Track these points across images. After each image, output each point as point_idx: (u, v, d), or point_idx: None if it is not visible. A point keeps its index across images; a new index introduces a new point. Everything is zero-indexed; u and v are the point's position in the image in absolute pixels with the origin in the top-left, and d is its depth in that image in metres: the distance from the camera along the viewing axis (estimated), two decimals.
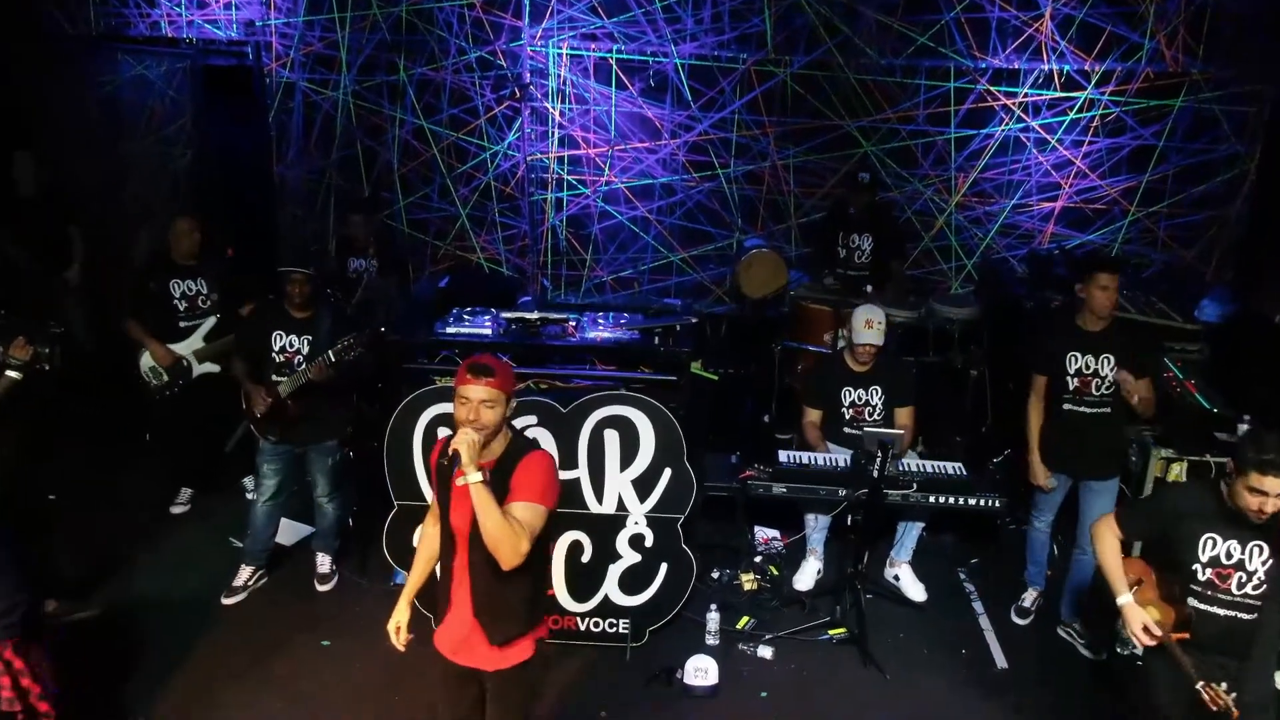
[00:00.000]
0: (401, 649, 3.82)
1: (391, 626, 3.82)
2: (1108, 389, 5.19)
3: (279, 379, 5.39)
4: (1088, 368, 5.19)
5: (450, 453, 3.31)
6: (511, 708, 3.71)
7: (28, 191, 7.34)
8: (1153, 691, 3.94)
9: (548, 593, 3.91)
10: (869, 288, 7.20)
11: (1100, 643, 5.48)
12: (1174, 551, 3.94)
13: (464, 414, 3.38)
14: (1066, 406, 5.29)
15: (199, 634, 5.42)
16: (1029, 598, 5.75)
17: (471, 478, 3.31)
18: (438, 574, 3.76)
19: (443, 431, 5.02)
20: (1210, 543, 3.86)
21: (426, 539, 3.87)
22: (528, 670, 3.68)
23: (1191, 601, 3.91)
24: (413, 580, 3.90)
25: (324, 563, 5.91)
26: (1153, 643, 3.89)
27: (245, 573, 5.76)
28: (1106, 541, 4.05)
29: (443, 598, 3.67)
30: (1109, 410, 5.23)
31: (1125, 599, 3.97)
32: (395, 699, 5.00)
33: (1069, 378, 5.23)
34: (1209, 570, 3.87)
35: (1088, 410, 5.25)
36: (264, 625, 5.53)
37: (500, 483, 3.43)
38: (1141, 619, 3.91)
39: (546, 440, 5.03)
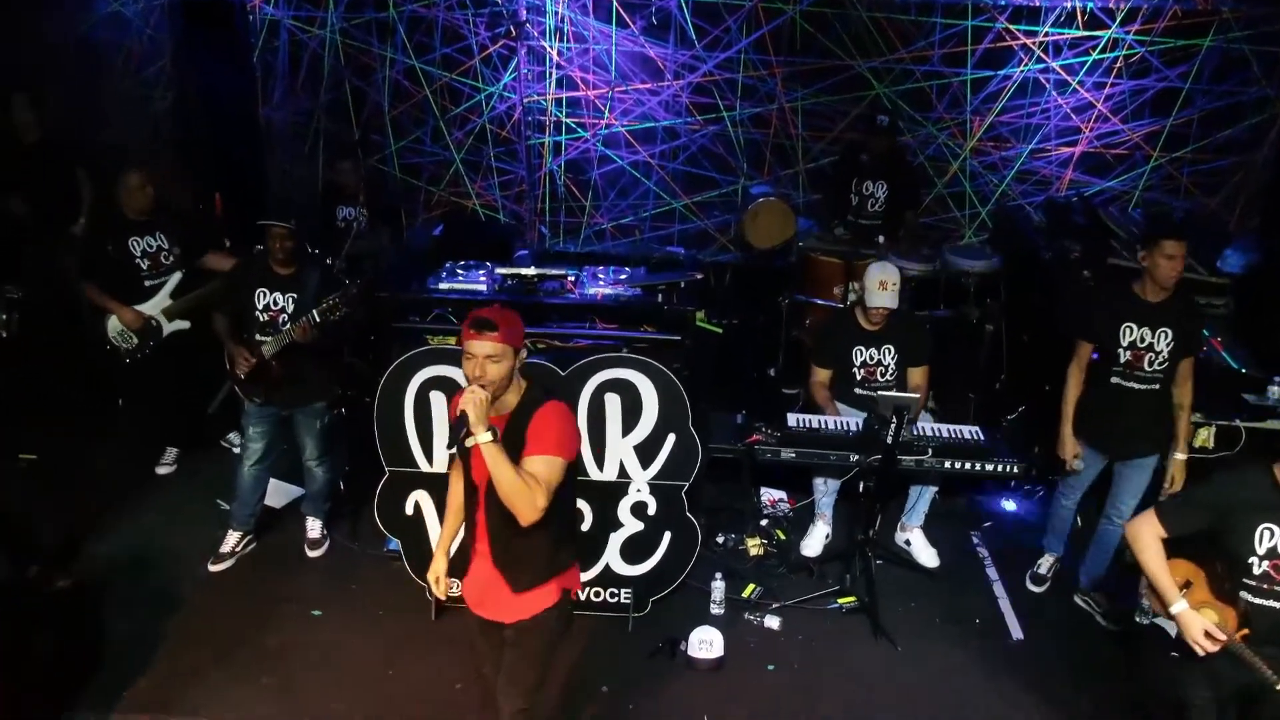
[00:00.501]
0: (442, 597, 3.85)
1: (431, 577, 3.85)
2: (1161, 365, 4.84)
3: (263, 339, 5.12)
4: (1142, 341, 4.83)
5: (458, 412, 3.20)
6: (528, 654, 3.64)
7: (30, 137, 6.86)
8: (1185, 691, 3.65)
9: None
10: (882, 238, 6.92)
11: (1119, 613, 5.31)
12: (1226, 546, 3.63)
13: (469, 370, 3.30)
14: (1115, 381, 4.92)
15: (184, 603, 5.22)
16: (1045, 564, 5.54)
17: (481, 438, 3.21)
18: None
19: (436, 395, 4.85)
20: (1268, 533, 3.52)
21: (453, 491, 3.83)
22: (548, 617, 3.61)
23: (1245, 596, 3.59)
24: (446, 532, 3.91)
25: (314, 528, 5.70)
26: (1216, 648, 3.56)
27: (232, 539, 5.55)
28: (1148, 543, 3.66)
29: (466, 551, 3.69)
30: (1158, 387, 4.89)
31: (1180, 606, 3.62)
32: (390, 673, 4.82)
33: (1121, 350, 4.86)
34: (1265, 563, 3.54)
35: (1137, 386, 4.89)
36: (252, 594, 5.32)
37: (516, 435, 3.35)
38: (1201, 625, 3.56)
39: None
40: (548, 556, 3.57)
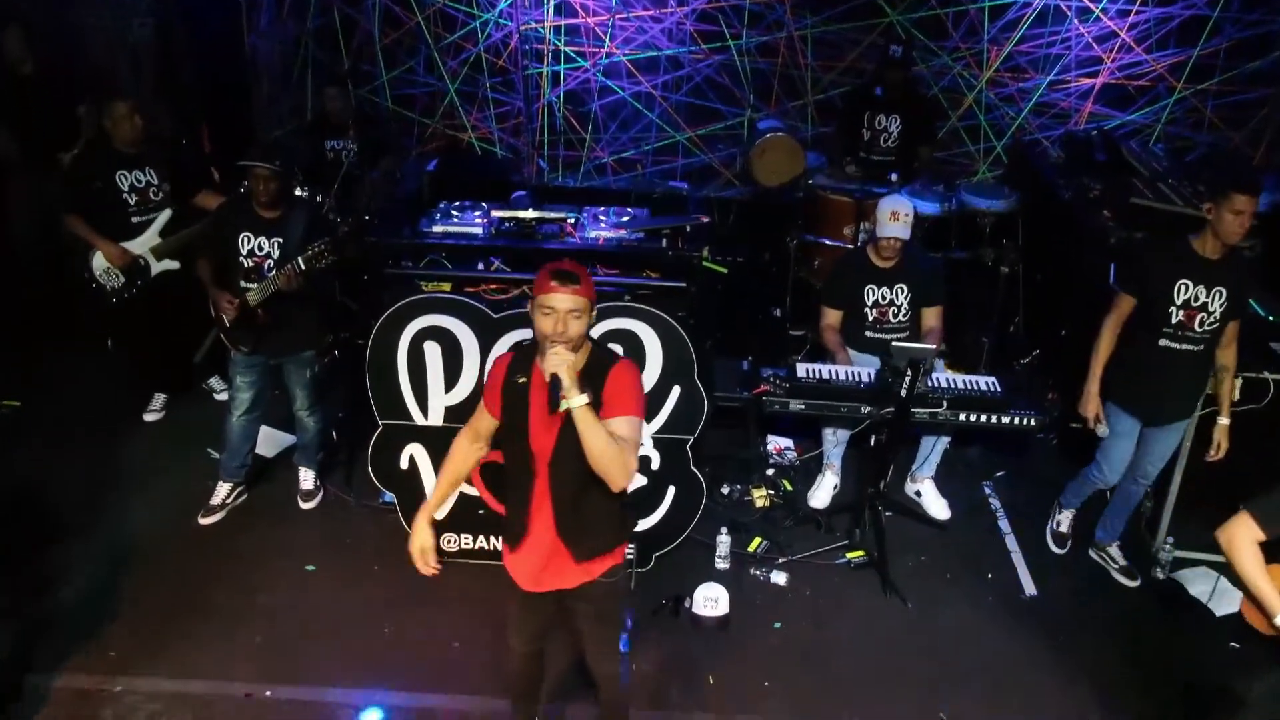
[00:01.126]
0: (432, 573, 3.51)
1: (415, 551, 3.50)
2: (1211, 325, 4.53)
3: (248, 286, 4.89)
4: (1196, 300, 4.50)
5: (548, 377, 3.01)
6: (607, 617, 3.59)
7: (25, 69, 6.53)
8: (1245, 684, 3.43)
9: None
10: (894, 176, 6.64)
11: (1135, 570, 5.18)
12: None
13: (548, 326, 3.07)
14: (1163, 343, 4.59)
15: (173, 557, 5.07)
16: (1065, 521, 5.32)
17: (577, 401, 3.01)
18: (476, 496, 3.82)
19: (431, 346, 4.64)
20: None
21: (459, 455, 3.55)
22: (617, 577, 3.51)
23: None
24: (435, 498, 3.58)
25: (307, 479, 5.53)
26: None
27: (223, 490, 5.38)
28: (1244, 548, 3.21)
29: (515, 524, 3.42)
30: (1202, 348, 4.62)
31: None
32: (386, 630, 4.69)
33: (1174, 309, 4.53)
34: None
35: (1185, 348, 4.59)
36: (244, 548, 5.17)
37: (593, 391, 3.14)
38: None
39: None
40: (617, 521, 3.45)
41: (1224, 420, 4.76)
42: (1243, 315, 4.64)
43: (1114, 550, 5.22)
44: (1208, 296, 4.50)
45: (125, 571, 4.94)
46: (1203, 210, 4.50)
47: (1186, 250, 4.53)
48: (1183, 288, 4.51)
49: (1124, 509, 5.10)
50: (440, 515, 4.87)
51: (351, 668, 4.46)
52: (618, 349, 4.30)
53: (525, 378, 3.23)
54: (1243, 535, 3.21)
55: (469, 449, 3.53)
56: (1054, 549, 5.32)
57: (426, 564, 3.50)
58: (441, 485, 3.58)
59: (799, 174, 6.86)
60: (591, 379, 3.12)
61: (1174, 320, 4.55)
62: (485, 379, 3.42)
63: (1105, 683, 4.53)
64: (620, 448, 3.06)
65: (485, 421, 3.42)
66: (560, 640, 3.81)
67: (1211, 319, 4.53)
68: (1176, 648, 4.76)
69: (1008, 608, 5.00)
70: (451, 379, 4.74)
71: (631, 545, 4.86)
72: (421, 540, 3.49)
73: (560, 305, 3.05)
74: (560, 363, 2.99)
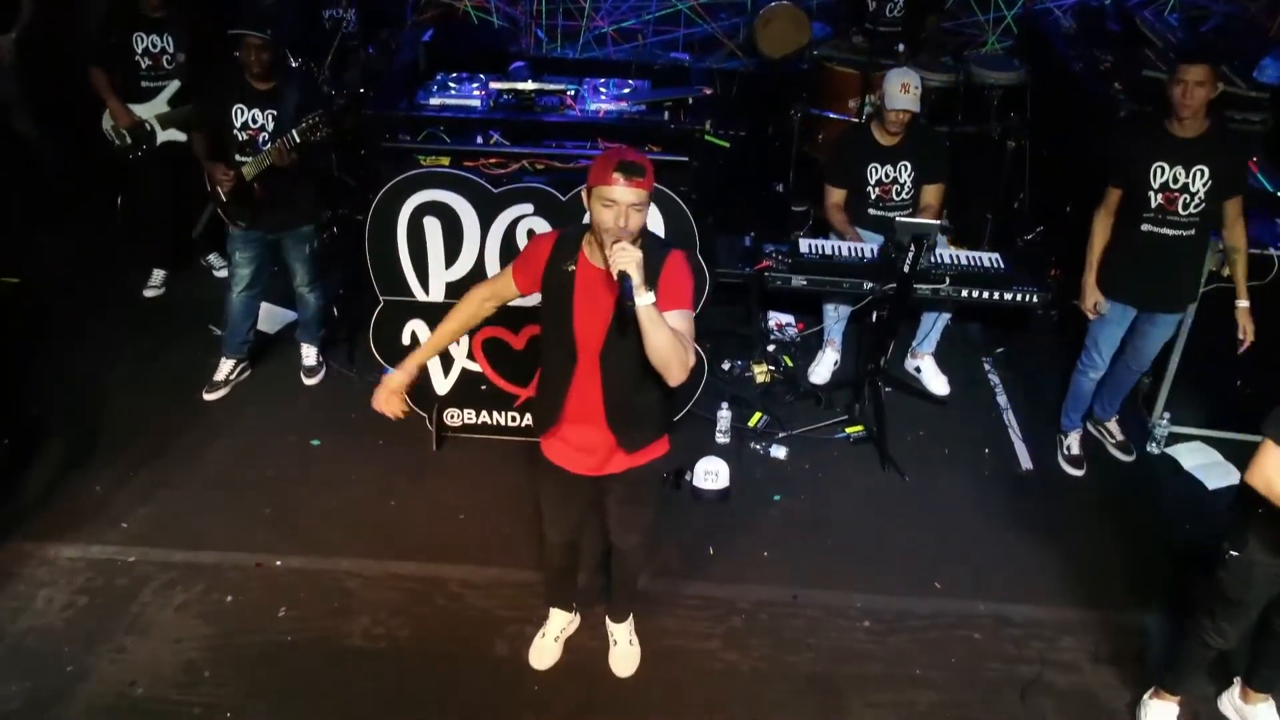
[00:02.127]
0: (396, 416, 3.40)
1: (385, 389, 3.36)
2: (1197, 208, 4.40)
3: (242, 159, 4.81)
4: (1175, 181, 4.37)
5: (616, 275, 2.89)
6: (644, 500, 3.65)
7: None
8: (1246, 586, 3.41)
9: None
10: (902, 46, 6.48)
11: (1131, 445, 5.25)
12: None
13: (610, 219, 2.94)
14: (1145, 227, 4.48)
15: (179, 432, 5.13)
16: (1074, 443, 5.19)
17: (645, 299, 2.89)
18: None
19: (430, 222, 4.59)
20: None
21: (468, 309, 3.39)
22: (658, 463, 3.53)
23: None
24: (431, 344, 3.49)
25: (309, 355, 5.55)
26: None
27: (226, 366, 5.40)
28: None
29: (551, 408, 3.38)
30: (1193, 233, 4.50)
31: None
32: (391, 503, 4.77)
33: (1152, 193, 4.41)
34: None
35: (1170, 233, 4.46)
36: (249, 423, 5.23)
37: (647, 283, 3.03)
38: None
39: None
40: (664, 412, 3.43)
41: (1242, 303, 4.63)
42: (1239, 193, 4.50)
43: (1112, 426, 5.27)
44: (1187, 177, 4.37)
45: (133, 446, 5.00)
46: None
47: (1161, 132, 4.40)
48: (1159, 170, 4.38)
49: (1121, 389, 5.12)
50: (443, 391, 4.97)
51: (359, 539, 4.55)
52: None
53: (573, 265, 3.14)
54: (1272, 466, 3.06)
55: (480, 306, 3.40)
56: (1073, 472, 5.15)
57: (389, 404, 3.37)
58: (442, 333, 3.44)
59: (804, 45, 6.69)
60: (646, 271, 3.00)
61: (1153, 204, 4.44)
62: (523, 251, 3.30)
63: (1097, 554, 4.62)
64: (681, 344, 2.99)
65: (508, 289, 3.32)
66: (593, 525, 3.87)
67: (1196, 200, 4.40)
68: (1169, 521, 4.85)
69: (1004, 481, 5.09)
70: (452, 254, 4.70)
71: None
72: (398, 380, 3.37)
73: (623, 199, 2.92)
74: (629, 260, 2.86)
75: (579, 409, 3.31)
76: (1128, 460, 5.21)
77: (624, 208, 2.92)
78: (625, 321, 2.98)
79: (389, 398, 3.37)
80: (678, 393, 3.33)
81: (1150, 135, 4.44)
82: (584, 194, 3.04)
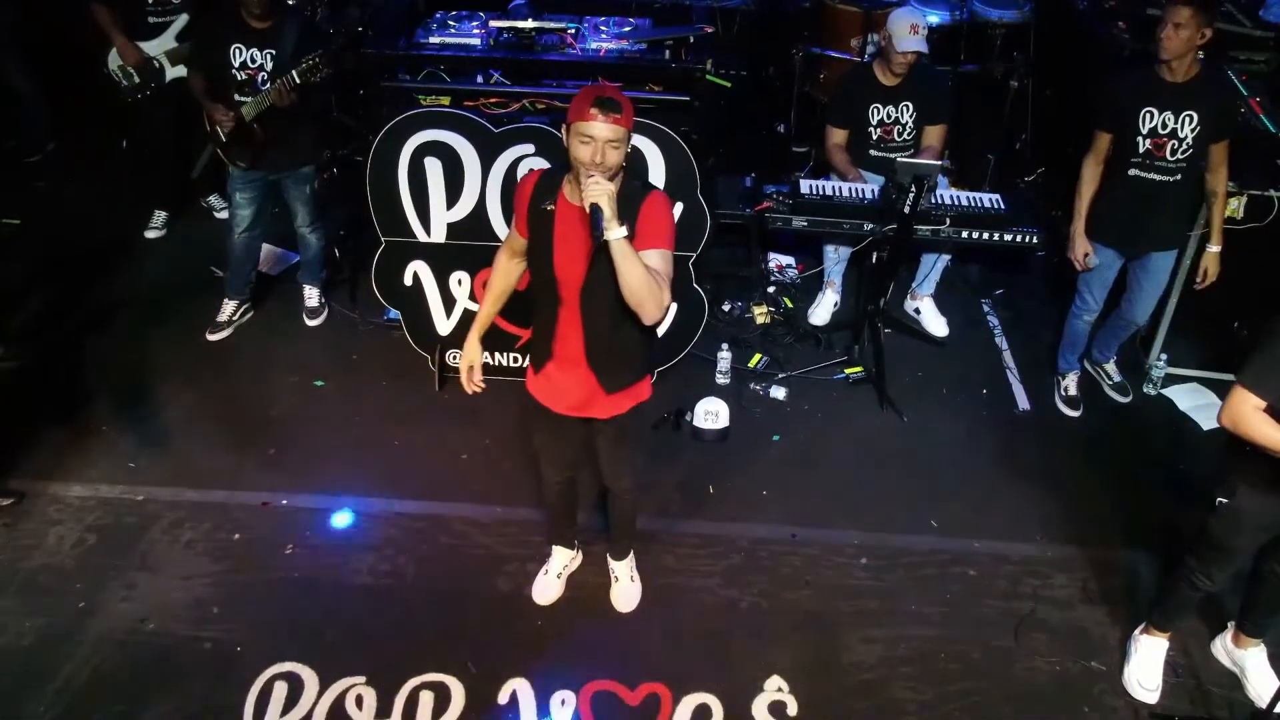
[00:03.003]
0: (478, 390, 3.59)
1: (464, 367, 3.56)
2: (1185, 153, 4.39)
3: (241, 100, 4.79)
4: (1164, 127, 4.35)
5: (588, 207, 2.92)
6: (628, 441, 3.69)
7: None
8: (1234, 532, 3.44)
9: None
10: None
11: (1128, 386, 5.29)
12: None
13: (587, 155, 2.93)
14: (1133, 172, 4.48)
15: (184, 373, 5.18)
16: (1072, 383, 5.22)
17: (616, 233, 2.91)
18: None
19: (431, 162, 4.58)
20: None
21: (499, 271, 3.54)
22: (641, 409, 3.57)
23: None
24: (482, 315, 3.59)
25: (312, 296, 5.57)
26: None
27: (229, 307, 5.43)
28: (1254, 420, 3.09)
29: (541, 347, 3.44)
30: (1180, 178, 4.50)
31: None
32: (395, 443, 4.83)
33: (1140, 138, 4.40)
34: None
35: (1157, 178, 4.46)
36: (253, 365, 5.27)
37: (626, 222, 3.04)
38: None
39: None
40: (644, 352, 3.45)
41: (1214, 248, 4.69)
42: (1226, 137, 4.48)
43: (1109, 367, 5.31)
44: (1176, 122, 4.35)
45: (138, 386, 5.05)
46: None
47: (1151, 76, 4.38)
48: (1148, 115, 4.37)
49: (1118, 335, 5.15)
50: (445, 332, 5.00)
51: (363, 478, 4.61)
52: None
53: (551, 204, 3.15)
54: (1243, 409, 3.12)
55: (509, 266, 3.51)
56: (1070, 413, 5.17)
57: (472, 381, 3.56)
58: (487, 303, 3.58)
59: None
60: (625, 209, 3.02)
61: (1142, 150, 4.44)
62: (514, 197, 3.34)
63: (1092, 493, 4.69)
64: (656, 283, 3.00)
65: (517, 240, 3.37)
66: (590, 465, 3.90)
67: (1184, 146, 4.39)
68: (1164, 461, 4.90)
69: (1001, 422, 5.13)
70: (453, 195, 4.70)
71: None
72: (470, 357, 3.54)
73: (600, 135, 2.91)
74: (601, 192, 2.88)
75: (564, 349, 3.36)
76: (1124, 401, 5.26)
77: (601, 144, 2.92)
78: (599, 255, 3.00)
79: (466, 377, 3.55)
80: (659, 335, 3.36)
81: (1141, 80, 4.43)
82: (564, 131, 3.04)
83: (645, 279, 2.96)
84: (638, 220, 3.05)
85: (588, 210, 2.92)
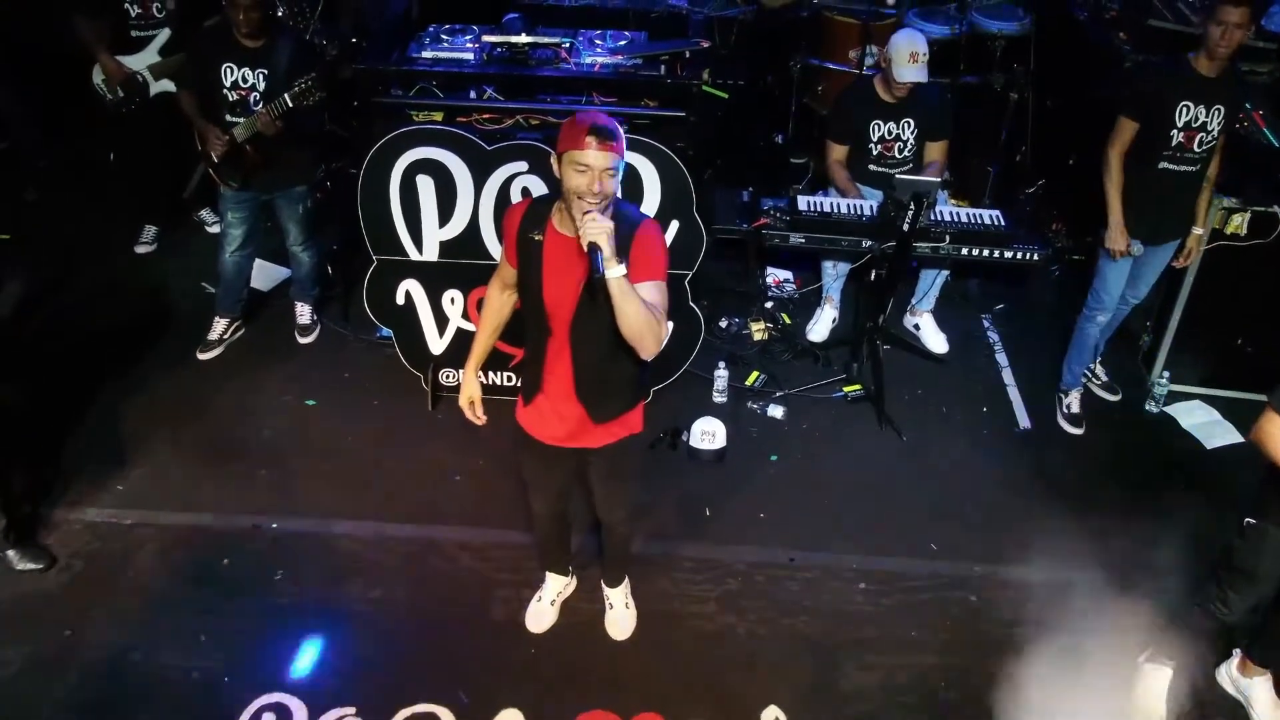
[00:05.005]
0: (480, 422, 3.52)
1: (464, 402, 3.51)
2: (1209, 144, 4.46)
3: (233, 120, 4.72)
4: (1197, 120, 4.39)
5: (586, 247, 2.83)
6: (624, 474, 3.63)
7: None
8: (1260, 555, 3.39)
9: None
10: None
11: (1116, 385, 5.30)
12: None
13: (583, 184, 2.86)
14: (1163, 165, 4.49)
15: (173, 393, 5.11)
16: (1075, 400, 5.16)
17: (615, 271, 2.83)
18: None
19: (424, 180, 4.51)
20: None
21: (492, 305, 3.48)
22: (636, 439, 3.50)
23: None
24: (477, 350, 3.54)
25: (304, 313, 5.50)
26: None
27: (220, 325, 5.36)
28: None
29: (531, 377, 3.38)
30: (1199, 168, 4.54)
31: None
32: (387, 463, 4.77)
33: (1175, 130, 4.41)
34: None
35: (1184, 169, 4.51)
36: (244, 384, 5.20)
37: (618, 255, 2.96)
38: None
39: (539, 191, 4.46)
40: (635, 383, 3.36)
41: (1198, 230, 4.78)
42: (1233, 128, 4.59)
43: (1097, 368, 5.29)
44: (1207, 116, 4.41)
45: (126, 406, 4.98)
46: (1197, 24, 4.42)
47: (1187, 70, 4.40)
48: (1184, 109, 4.40)
49: (1113, 324, 5.11)
50: (438, 351, 4.94)
51: (355, 500, 4.55)
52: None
53: (540, 234, 3.07)
54: (1270, 429, 3.14)
55: (501, 298, 3.44)
56: (1073, 431, 5.11)
57: (475, 414, 3.50)
58: (482, 336, 3.53)
59: None
60: (617, 241, 2.94)
61: (1174, 142, 4.46)
62: (502, 227, 3.26)
63: (1096, 515, 4.60)
64: (655, 318, 2.94)
65: (508, 271, 3.29)
66: (581, 499, 3.85)
67: (1210, 138, 4.46)
68: (1167, 481, 4.84)
69: (1002, 441, 5.07)
70: (445, 213, 4.64)
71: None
72: (470, 391, 3.49)
73: (597, 163, 2.83)
74: (599, 231, 2.80)
75: (553, 380, 3.29)
76: (1113, 399, 5.26)
77: (598, 172, 2.85)
78: (595, 293, 2.92)
79: (469, 411, 3.51)
80: (651, 365, 3.30)
81: (1175, 73, 4.44)
82: (553, 160, 2.96)
83: (645, 317, 2.91)
84: (630, 253, 2.97)
85: (585, 249, 2.83)
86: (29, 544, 4.20)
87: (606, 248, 2.80)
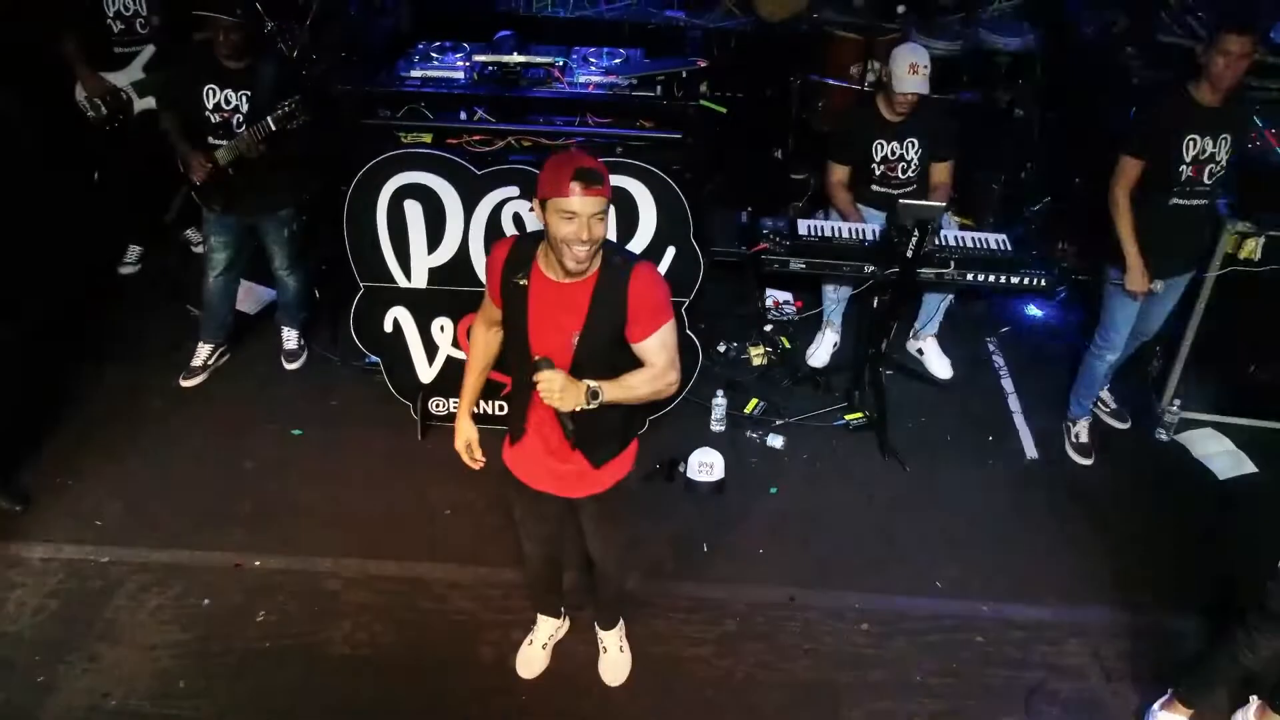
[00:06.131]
0: (478, 466, 3.35)
1: (461, 445, 3.34)
2: (1218, 175, 4.29)
3: (216, 143, 4.58)
4: (1204, 153, 4.23)
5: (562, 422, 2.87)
6: (617, 518, 3.51)
7: None
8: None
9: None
10: (902, 8, 6.21)
11: (1126, 413, 5.18)
12: None
13: (571, 232, 2.71)
14: (1174, 201, 4.32)
15: (156, 422, 4.97)
16: (1083, 431, 5.00)
17: (595, 403, 2.83)
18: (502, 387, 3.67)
19: (411, 205, 4.37)
20: None
21: (479, 343, 3.32)
22: (628, 481, 3.37)
23: None
24: (468, 390, 3.37)
25: (290, 338, 5.36)
26: None
27: (204, 351, 5.22)
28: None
29: (516, 422, 3.24)
30: (1208, 201, 4.38)
31: None
32: (375, 497, 4.62)
33: (1184, 166, 4.25)
34: None
35: (1195, 203, 4.34)
36: (228, 413, 5.06)
37: (610, 308, 2.87)
38: None
39: (531, 219, 4.32)
40: (626, 424, 3.24)
41: None
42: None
43: (1105, 394, 5.15)
44: (1215, 146, 4.25)
45: (107, 437, 4.84)
46: (1199, 54, 4.20)
47: (1188, 102, 4.23)
48: (1191, 143, 4.23)
49: (1122, 357, 4.95)
50: (427, 380, 4.80)
51: (341, 537, 4.40)
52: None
53: (524, 279, 2.91)
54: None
55: (488, 337, 3.28)
56: (1081, 461, 4.96)
57: (473, 458, 3.34)
58: (471, 376, 3.36)
59: (802, 9, 6.42)
60: (607, 287, 2.82)
61: (1183, 177, 4.29)
62: (486, 266, 3.11)
63: (1105, 550, 4.47)
64: (661, 379, 2.91)
65: (492, 310, 3.13)
66: (573, 539, 3.68)
67: (1219, 168, 4.30)
68: (1180, 514, 4.69)
69: (1008, 471, 4.93)
70: (434, 240, 4.51)
71: None
72: (466, 434, 3.33)
73: (584, 210, 2.68)
74: (552, 398, 2.76)
75: (540, 425, 3.14)
76: (1123, 427, 5.13)
77: (585, 219, 2.69)
78: (565, 328, 2.90)
79: (466, 455, 3.34)
80: (641, 410, 3.23)
81: (1178, 106, 4.26)
82: (536, 206, 2.80)
83: (649, 390, 2.90)
84: (628, 306, 2.83)
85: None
86: None
87: (569, 413, 2.83)
